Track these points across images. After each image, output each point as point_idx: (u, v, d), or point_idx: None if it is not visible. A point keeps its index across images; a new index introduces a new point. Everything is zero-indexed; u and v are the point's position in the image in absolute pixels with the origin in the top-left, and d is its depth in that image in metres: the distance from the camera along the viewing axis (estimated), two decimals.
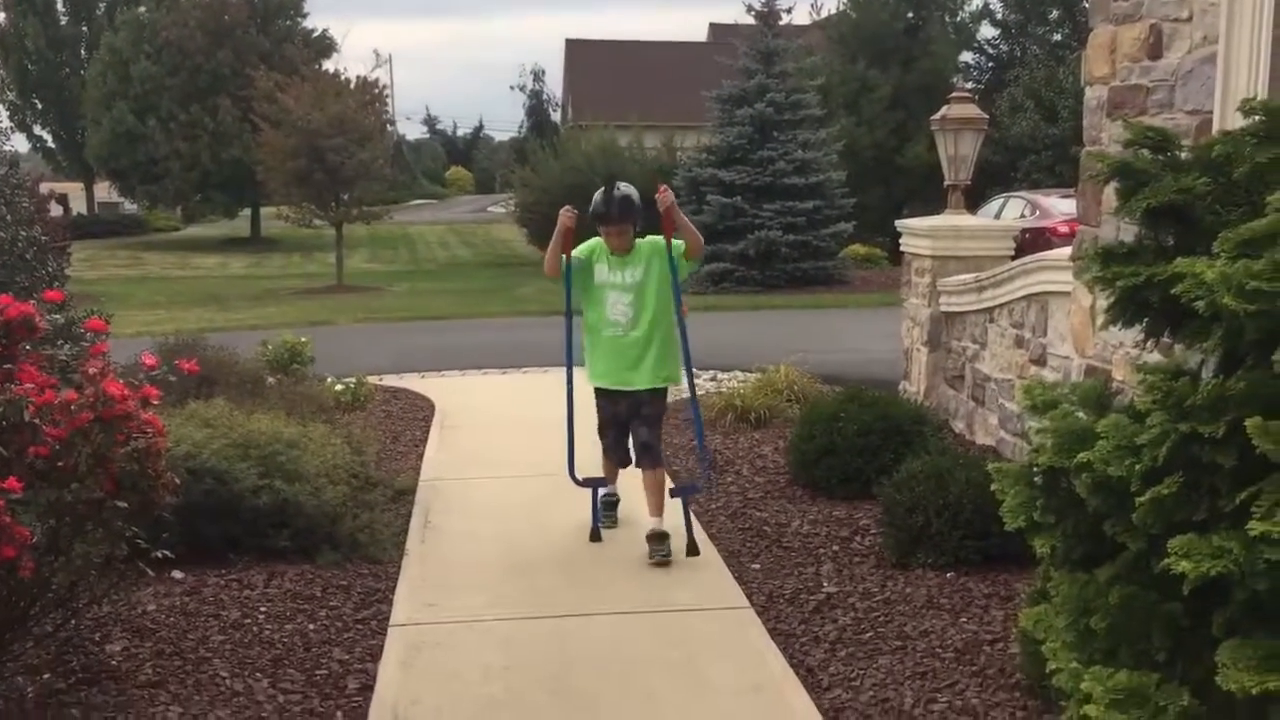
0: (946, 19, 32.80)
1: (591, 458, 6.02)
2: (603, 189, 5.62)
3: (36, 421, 3.60)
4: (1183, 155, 2.44)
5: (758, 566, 5.41)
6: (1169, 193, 2.24)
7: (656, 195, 5.50)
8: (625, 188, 5.61)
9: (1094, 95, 6.18)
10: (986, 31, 34.15)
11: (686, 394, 6.08)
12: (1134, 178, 2.33)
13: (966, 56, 33.79)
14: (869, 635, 4.54)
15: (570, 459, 5.90)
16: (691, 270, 5.82)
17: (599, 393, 5.81)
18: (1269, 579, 1.81)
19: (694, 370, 5.92)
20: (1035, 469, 2.36)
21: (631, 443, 5.77)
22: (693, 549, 5.47)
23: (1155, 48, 5.69)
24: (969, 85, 32.09)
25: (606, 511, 5.95)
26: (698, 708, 3.99)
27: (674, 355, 5.71)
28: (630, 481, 5.93)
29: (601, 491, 5.91)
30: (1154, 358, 2.96)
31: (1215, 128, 5.12)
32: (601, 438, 5.91)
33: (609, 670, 4.27)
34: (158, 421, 3.96)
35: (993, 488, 2.51)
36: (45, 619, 4.09)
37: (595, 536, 5.76)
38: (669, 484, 5.80)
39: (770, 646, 4.49)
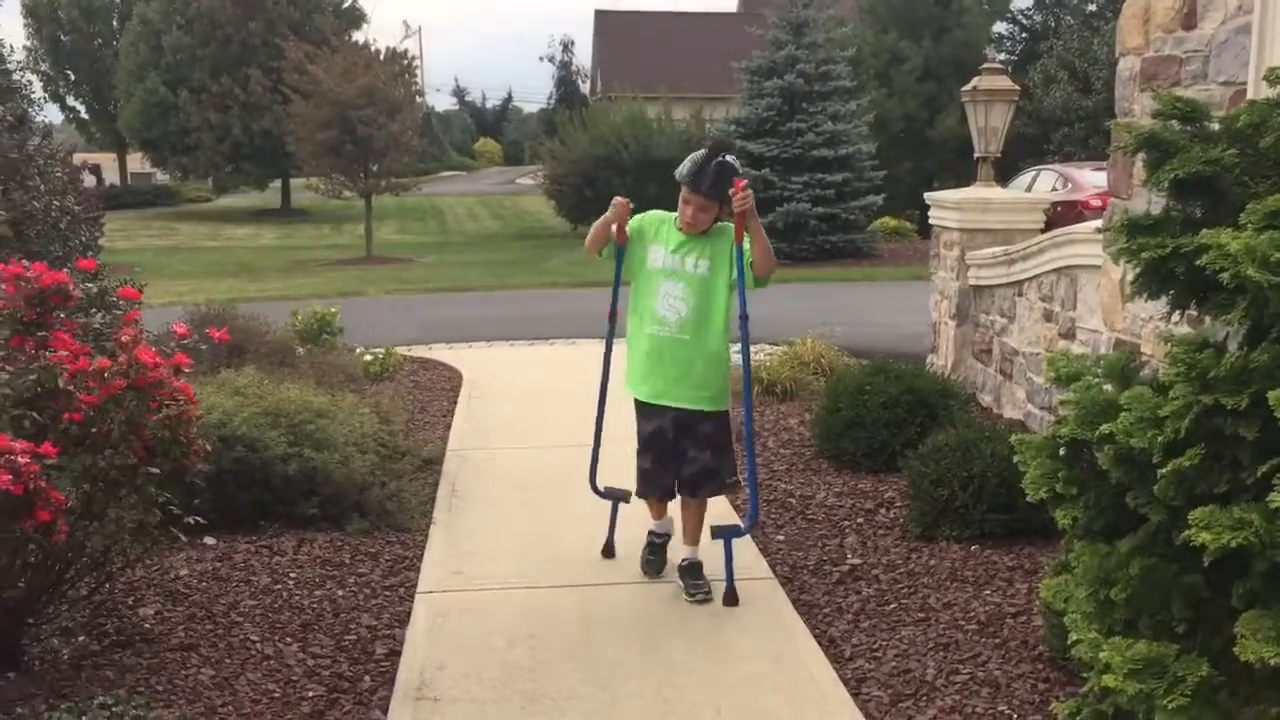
0: None
1: (619, 465, 5.08)
2: (703, 151, 4.57)
3: (71, 388, 3.66)
4: (1213, 126, 2.42)
5: (782, 538, 5.43)
6: (1197, 164, 2.23)
7: (732, 192, 4.46)
8: (731, 160, 4.55)
9: (1126, 66, 6.11)
10: (1020, 2, 33.75)
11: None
12: (1162, 149, 2.32)
13: (1000, 27, 33.42)
14: (892, 607, 4.56)
15: (593, 463, 5.03)
16: (752, 289, 4.64)
17: (637, 406, 4.79)
18: None
19: (729, 401, 4.82)
20: (1058, 440, 2.37)
21: (681, 469, 4.73)
22: (731, 598, 4.60)
23: (1189, 18, 5.62)
24: (1001, 57, 31.75)
25: (651, 554, 4.96)
26: (720, 676, 4.02)
27: (724, 374, 4.69)
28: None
29: (651, 527, 4.96)
30: (1182, 331, 2.95)
31: (1249, 98, 5.07)
32: (639, 462, 4.81)
33: (632, 639, 4.31)
34: (189, 389, 4.01)
35: (1015, 459, 2.52)
36: (79, 583, 4.16)
37: (608, 551, 5.07)
38: (708, 523, 4.81)
39: (793, 617, 4.52)
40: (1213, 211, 2.30)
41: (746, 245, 4.55)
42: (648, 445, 4.75)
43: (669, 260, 4.63)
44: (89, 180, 19.56)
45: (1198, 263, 2.02)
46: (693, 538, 4.78)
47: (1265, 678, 1.90)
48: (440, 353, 10.86)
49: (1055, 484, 2.34)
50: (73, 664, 3.98)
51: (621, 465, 5.01)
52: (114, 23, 41.65)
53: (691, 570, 4.73)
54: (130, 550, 4.07)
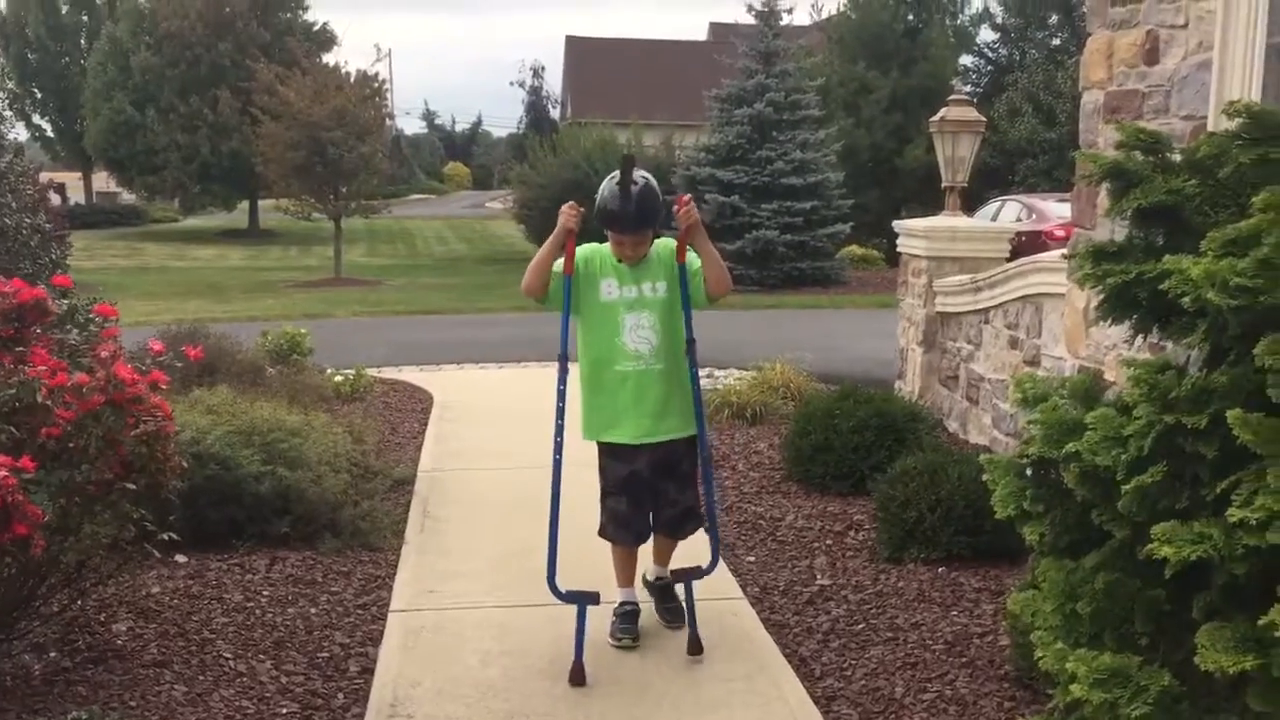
0: (947, 22, 32.91)
1: (576, 557, 4.56)
2: (615, 176, 4.19)
3: (49, 403, 3.67)
4: (1174, 158, 2.52)
5: (752, 559, 5.49)
6: (1159, 193, 2.32)
7: (675, 209, 4.22)
8: (644, 177, 4.21)
9: (1091, 99, 6.26)
10: (986, 35, 34.28)
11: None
12: (1125, 179, 2.41)
13: (966, 60, 33.90)
14: (861, 627, 4.62)
15: (551, 558, 4.25)
16: (704, 307, 4.39)
17: (609, 451, 4.40)
18: (1246, 563, 1.89)
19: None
20: (1025, 459, 2.44)
21: (662, 510, 4.46)
22: (695, 646, 4.29)
23: (1152, 54, 5.77)
24: (968, 89, 32.17)
25: (624, 625, 4.44)
26: (691, 694, 4.06)
27: (692, 395, 4.40)
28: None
29: (620, 597, 4.50)
30: (1144, 357, 3.04)
31: (1209, 131, 5.21)
32: (609, 506, 4.43)
33: (604, 657, 4.34)
34: (166, 406, 4.03)
35: (984, 478, 2.59)
36: (53, 599, 4.16)
37: (577, 678, 4.10)
38: (675, 604, 4.57)
39: (764, 636, 4.56)
40: (1174, 239, 2.39)
41: (694, 263, 4.31)
42: (623, 488, 4.38)
43: (627, 291, 4.31)
44: (54, 199, 19.38)
45: (1160, 288, 2.10)
46: (663, 560, 4.62)
47: (1224, 688, 1.97)
48: (410, 374, 10.87)
49: (1023, 501, 2.42)
50: (45, 680, 3.97)
51: (585, 559, 4.67)
52: (82, 41, 41.51)
53: (664, 593, 4.61)
54: (104, 566, 4.07)
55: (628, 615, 4.49)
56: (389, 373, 10.85)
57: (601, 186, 4.26)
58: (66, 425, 3.70)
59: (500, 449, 7.61)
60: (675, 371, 4.36)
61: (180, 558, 5.09)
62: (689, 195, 4.39)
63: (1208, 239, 2.17)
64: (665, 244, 4.39)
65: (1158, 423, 2.06)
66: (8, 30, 40.72)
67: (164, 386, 4.08)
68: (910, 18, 31.25)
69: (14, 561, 3.66)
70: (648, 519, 4.47)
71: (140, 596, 4.71)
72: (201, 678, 4.06)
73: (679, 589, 4.50)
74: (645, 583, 4.64)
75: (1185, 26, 5.54)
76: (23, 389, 3.62)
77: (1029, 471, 2.42)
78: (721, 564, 5.22)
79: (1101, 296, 2.39)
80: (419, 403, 9.39)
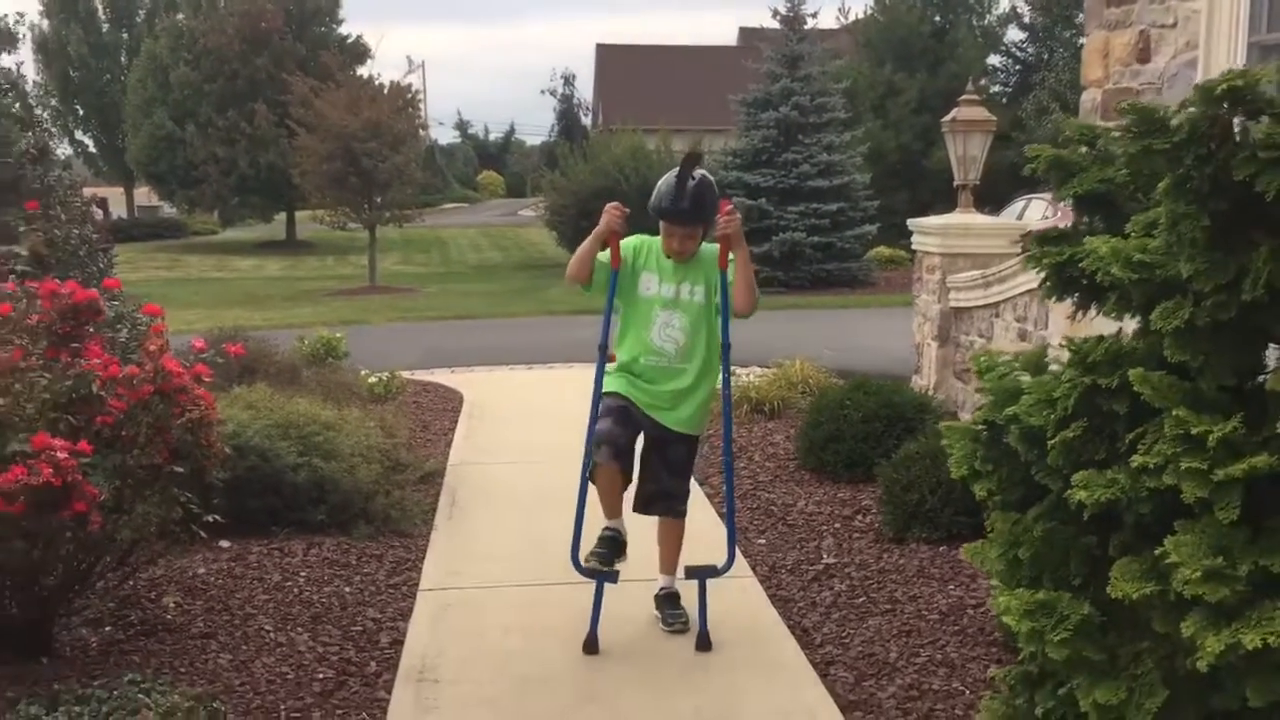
0: (974, 22, 32.98)
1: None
2: (675, 172, 4.35)
3: (102, 394, 4.01)
4: (1113, 149, 2.78)
5: (763, 541, 5.76)
6: (1092, 182, 2.57)
7: (720, 216, 4.35)
8: (703, 175, 4.38)
9: (1089, 98, 6.50)
10: (1013, 35, 34.29)
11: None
12: (1065, 169, 2.67)
13: (993, 59, 33.91)
14: (861, 600, 4.89)
15: (576, 536, 4.51)
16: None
17: (611, 394, 4.53)
18: (1149, 504, 2.14)
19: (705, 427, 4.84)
20: (978, 425, 2.71)
21: (642, 483, 4.61)
22: (704, 642, 4.42)
23: (1144, 52, 6.01)
24: (995, 88, 32.28)
25: (601, 549, 4.62)
26: (701, 661, 4.34)
27: (710, 400, 4.62)
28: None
29: (606, 523, 4.69)
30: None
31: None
32: (600, 422, 4.46)
33: (620, 629, 4.62)
34: (209, 396, 4.36)
35: (943, 443, 2.86)
36: (106, 576, 4.50)
37: (591, 647, 4.39)
38: (683, 563, 4.69)
39: (770, 611, 4.84)
40: (1111, 223, 2.65)
41: (730, 273, 4.41)
42: (610, 413, 4.45)
43: (665, 289, 4.47)
44: (96, 213, 19.93)
45: (1080, 265, 2.37)
46: (669, 567, 4.72)
47: (1134, 617, 2.23)
48: (442, 376, 11.20)
49: (974, 462, 2.68)
50: (100, 651, 4.32)
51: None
52: (122, 58, 42.30)
53: (670, 600, 4.68)
54: (154, 546, 4.40)
55: (608, 540, 4.63)
56: (422, 375, 11.19)
57: (660, 180, 4.44)
58: (119, 414, 4.04)
59: (527, 445, 7.91)
60: (695, 375, 4.48)
61: (223, 543, 5.43)
62: (733, 205, 4.44)
63: (1131, 221, 2.44)
64: (711, 249, 4.50)
65: (1079, 384, 2.32)
66: (50, 49, 41.58)
67: (207, 379, 4.41)
68: (937, 19, 31.38)
69: (73, 538, 3.99)
70: (630, 449, 4.51)
71: (187, 577, 5.06)
72: (244, 647, 4.39)
73: (681, 580, 4.65)
74: (656, 597, 4.72)
75: (1174, 26, 5.78)
76: (79, 381, 3.96)
77: (981, 434, 2.68)
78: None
79: (1043, 276, 2.66)
80: (450, 403, 9.72)
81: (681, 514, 4.68)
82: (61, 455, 3.62)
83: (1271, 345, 2.42)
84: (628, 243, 4.52)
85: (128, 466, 4.03)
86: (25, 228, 4.88)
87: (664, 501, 4.62)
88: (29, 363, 3.98)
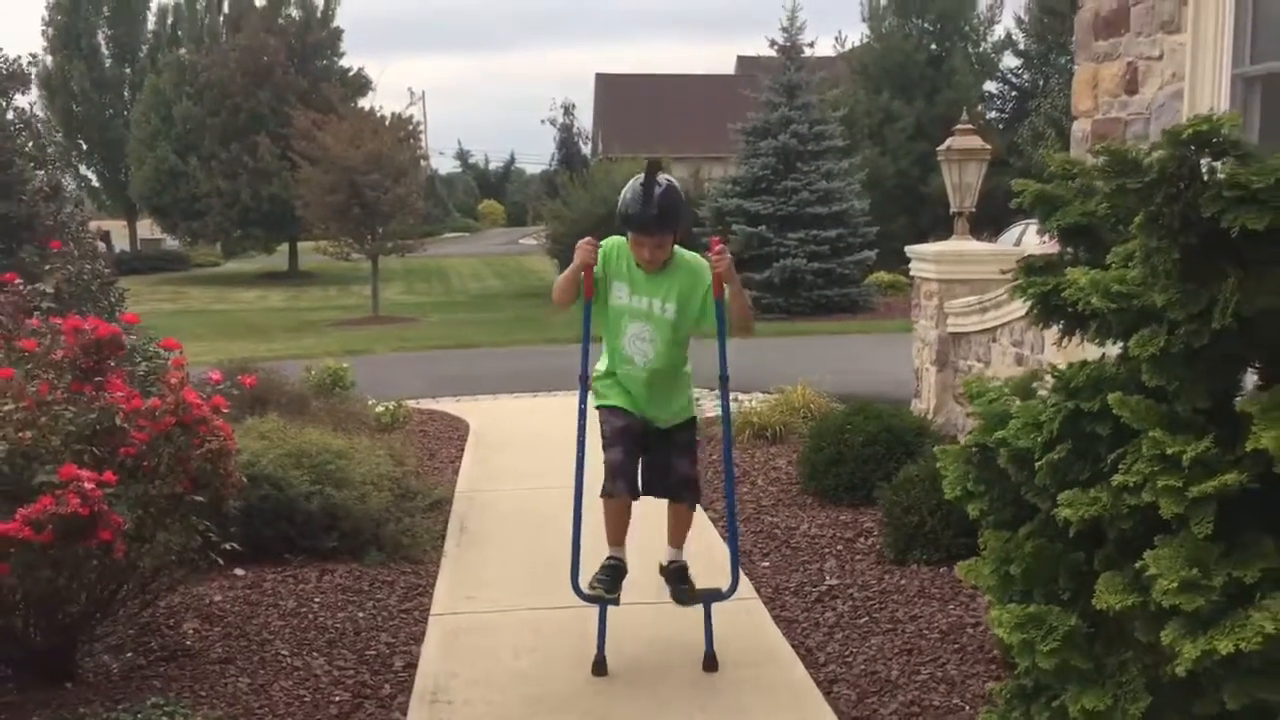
0: (969, 49, 33.29)
1: (598, 563, 4.66)
2: (640, 179, 4.31)
3: (125, 426, 4.14)
4: (1097, 184, 2.92)
5: (767, 564, 5.88)
6: (1075, 215, 2.71)
7: (710, 253, 4.35)
8: (668, 181, 4.34)
9: (1080, 128, 6.66)
10: (1009, 61, 34.61)
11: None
12: (1050, 203, 2.81)
13: (989, 86, 34.23)
14: (864, 620, 5.00)
15: (574, 561, 4.56)
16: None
17: (609, 409, 4.59)
18: (1130, 520, 2.27)
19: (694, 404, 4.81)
20: (970, 448, 2.84)
21: (660, 477, 4.60)
22: (711, 663, 4.52)
23: (1132, 84, 6.17)
24: (991, 115, 32.54)
25: (604, 577, 4.57)
26: (707, 681, 4.46)
27: (689, 387, 4.69)
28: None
29: (610, 552, 4.68)
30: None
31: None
32: (606, 458, 4.47)
33: (627, 650, 4.73)
34: (227, 427, 4.50)
35: (937, 465, 2.99)
36: (128, 604, 4.62)
37: (599, 669, 4.51)
38: (688, 586, 4.66)
39: (775, 631, 4.96)
40: (1093, 254, 2.79)
41: (726, 298, 4.41)
42: (619, 437, 4.46)
43: (636, 301, 4.46)
44: (100, 247, 20.14)
45: (1063, 294, 2.51)
46: (677, 539, 4.71)
47: (1120, 628, 2.35)
48: (447, 405, 11.34)
49: (967, 483, 2.81)
50: (123, 676, 4.44)
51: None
52: (125, 93, 42.71)
53: (678, 574, 4.66)
54: (175, 573, 4.53)
55: (610, 569, 4.59)
56: (427, 404, 11.33)
57: (624, 189, 4.41)
58: (141, 445, 4.17)
59: (532, 471, 8.03)
60: (668, 375, 4.53)
61: (239, 570, 5.55)
62: (721, 243, 4.40)
63: (1111, 253, 2.58)
64: (690, 260, 4.47)
65: (1063, 408, 2.45)
66: (53, 84, 41.96)
67: (225, 410, 4.54)
68: (933, 47, 31.70)
69: (99, 564, 4.12)
70: (636, 474, 4.52)
71: (204, 604, 5.18)
72: (262, 672, 4.51)
73: (688, 589, 4.65)
74: (661, 569, 4.73)
75: (1160, 58, 5.94)
76: (104, 414, 4.10)
77: (973, 457, 2.81)
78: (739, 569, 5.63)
79: (1029, 304, 2.80)
80: (455, 431, 9.85)
81: (700, 496, 4.79)
82: (89, 485, 3.75)
83: (1251, 369, 2.56)
84: (604, 246, 4.51)
85: (150, 496, 4.17)
86: (49, 266, 5.01)
87: (689, 489, 4.61)
88: (55, 396, 4.12)
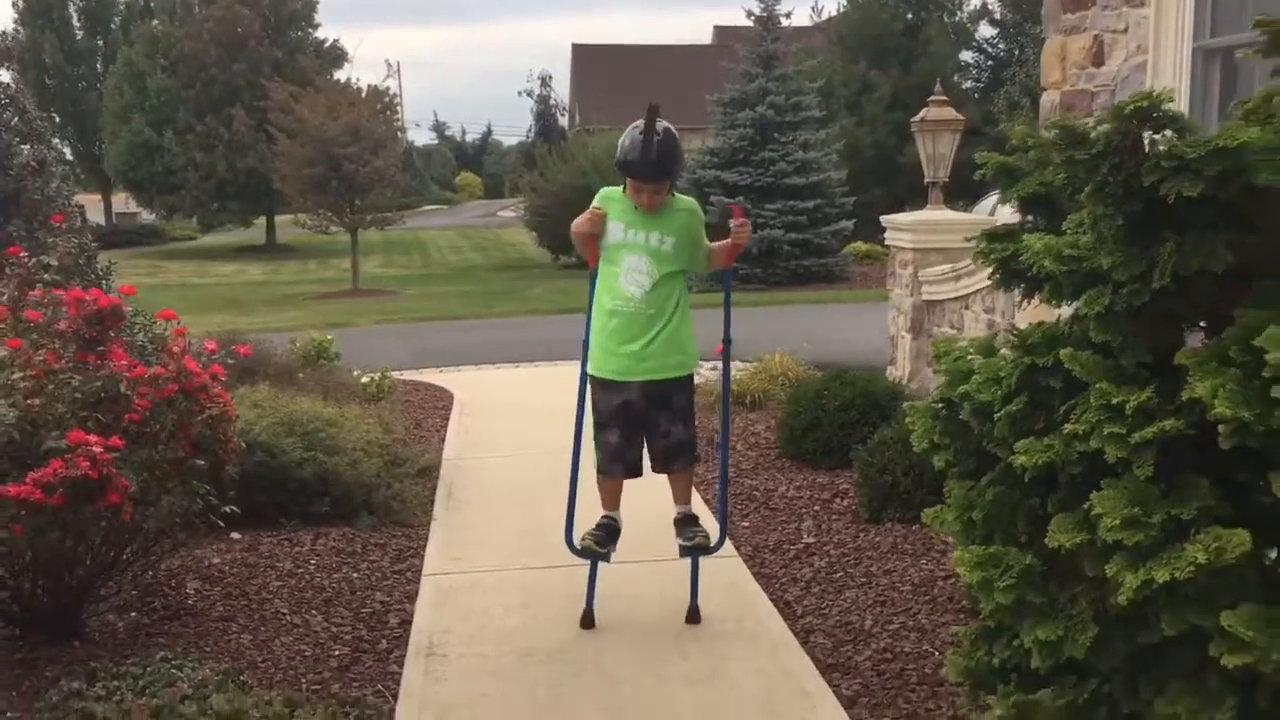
0: (945, 19, 33.47)
1: (591, 521, 4.84)
2: (638, 126, 4.38)
3: (129, 393, 4.30)
4: (1053, 155, 3.10)
5: (746, 524, 6.09)
6: (1033, 185, 2.90)
7: (732, 221, 4.62)
8: (666, 128, 4.40)
9: (1048, 99, 6.84)
10: (985, 31, 34.79)
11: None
12: (1011, 174, 2.99)
13: (966, 56, 34.43)
14: (839, 575, 5.22)
15: (569, 518, 4.81)
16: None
17: (599, 385, 4.63)
18: (1080, 465, 2.47)
19: (698, 361, 4.84)
20: (936, 403, 3.03)
21: (653, 443, 4.68)
22: (694, 616, 4.72)
23: (1098, 56, 6.36)
24: (967, 84, 32.73)
25: (599, 533, 4.72)
26: (690, 633, 4.67)
27: (690, 335, 4.67)
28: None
29: (604, 512, 4.80)
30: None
31: None
32: (602, 438, 4.65)
33: (613, 607, 4.93)
34: (226, 395, 4.66)
35: (906, 420, 3.18)
36: (132, 566, 4.79)
37: (587, 622, 4.69)
38: (678, 541, 4.78)
39: (754, 586, 5.17)
40: (1050, 221, 2.98)
41: (708, 247, 4.63)
42: (614, 418, 4.61)
43: (633, 235, 4.51)
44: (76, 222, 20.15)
45: (1020, 259, 2.70)
46: (683, 498, 4.80)
47: (1071, 565, 2.55)
48: (431, 376, 11.50)
49: (934, 436, 3.01)
50: (128, 634, 4.61)
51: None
52: (98, 65, 42.36)
53: (688, 520, 4.74)
54: (177, 535, 4.70)
55: (604, 527, 4.75)
56: (411, 375, 11.48)
57: (623, 135, 4.46)
58: (144, 411, 4.33)
59: (517, 439, 8.22)
60: (668, 315, 4.52)
61: (235, 535, 5.72)
62: (743, 209, 4.67)
63: (1067, 220, 2.77)
64: (688, 207, 4.63)
65: (1020, 363, 2.65)
66: (25, 57, 41.58)
67: (222, 379, 4.70)
68: (910, 16, 31.86)
69: (108, 525, 4.28)
70: (640, 453, 4.69)
71: (204, 566, 5.35)
72: (263, 629, 4.69)
73: (687, 561, 4.84)
74: (675, 521, 4.80)
75: (1125, 31, 6.13)
76: (109, 381, 4.25)
77: (939, 411, 3.01)
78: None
79: (991, 270, 2.99)
80: (440, 401, 10.02)
81: (696, 459, 4.82)
82: (97, 450, 3.91)
83: (1197, 329, 2.76)
84: (604, 194, 4.66)
85: (154, 460, 4.33)
86: (51, 239, 5.15)
87: (683, 454, 4.70)
88: (60, 365, 4.27)
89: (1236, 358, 2.22)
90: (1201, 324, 2.70)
